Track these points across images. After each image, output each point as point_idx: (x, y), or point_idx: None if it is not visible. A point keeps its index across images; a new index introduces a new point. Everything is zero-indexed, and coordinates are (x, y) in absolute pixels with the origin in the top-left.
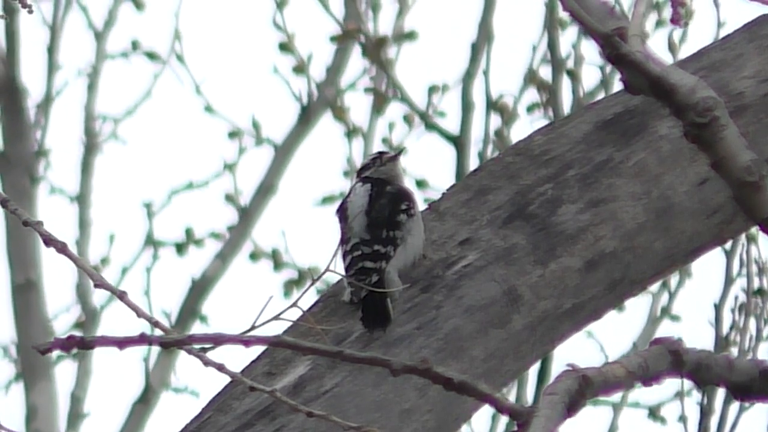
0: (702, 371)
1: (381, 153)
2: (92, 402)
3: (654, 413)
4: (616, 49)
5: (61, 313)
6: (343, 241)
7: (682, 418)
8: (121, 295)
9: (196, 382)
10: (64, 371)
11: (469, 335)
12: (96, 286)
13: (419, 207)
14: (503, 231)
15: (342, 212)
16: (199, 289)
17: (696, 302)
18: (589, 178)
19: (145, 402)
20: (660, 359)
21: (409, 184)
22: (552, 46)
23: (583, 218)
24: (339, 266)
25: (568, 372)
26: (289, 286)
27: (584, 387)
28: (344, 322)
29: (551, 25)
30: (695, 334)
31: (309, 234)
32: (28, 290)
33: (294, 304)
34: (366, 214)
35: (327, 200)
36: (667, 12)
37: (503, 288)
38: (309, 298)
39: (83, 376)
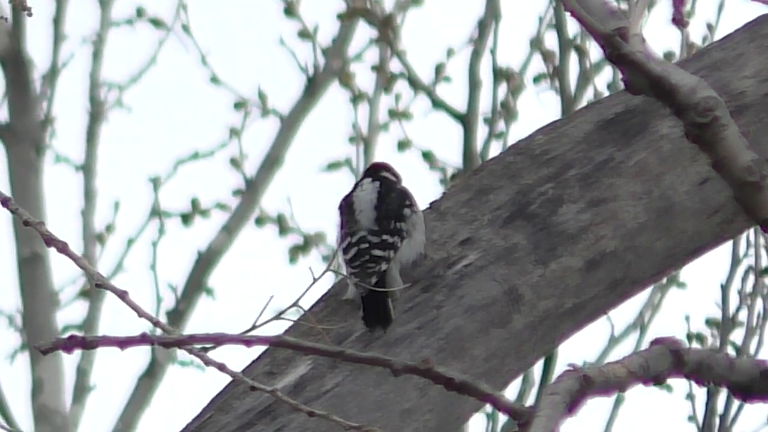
0: (703, 371)
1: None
2: (98, 375)
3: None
4: (617, 49)
5: (67, 285)
6: (345, 234)
7: (690, 396)
8: (122, 295)
9: None
10: None
11: (470, 335)
12: (97, 285)
13: (420, 207)
14: (504, 231)
15: (347, 206)
16: (205, 262)
17: (703, 272)
18: (589, 177)
19: (151, 376)
20: (661, 359)
21: (414, 156)
22: (559, 23)
23: (583, 218)
24: (341, 266)
25: (569, 372)
26: (295, 252)
27: (585, 387)
28: (345, 321)
29: (558, 2)
30: (700, 307)
31: (314, 201)
32: (33, 263)
33: (295, 304)
34: (375, 209)
35: (333, 166)
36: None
37: (504, 288)
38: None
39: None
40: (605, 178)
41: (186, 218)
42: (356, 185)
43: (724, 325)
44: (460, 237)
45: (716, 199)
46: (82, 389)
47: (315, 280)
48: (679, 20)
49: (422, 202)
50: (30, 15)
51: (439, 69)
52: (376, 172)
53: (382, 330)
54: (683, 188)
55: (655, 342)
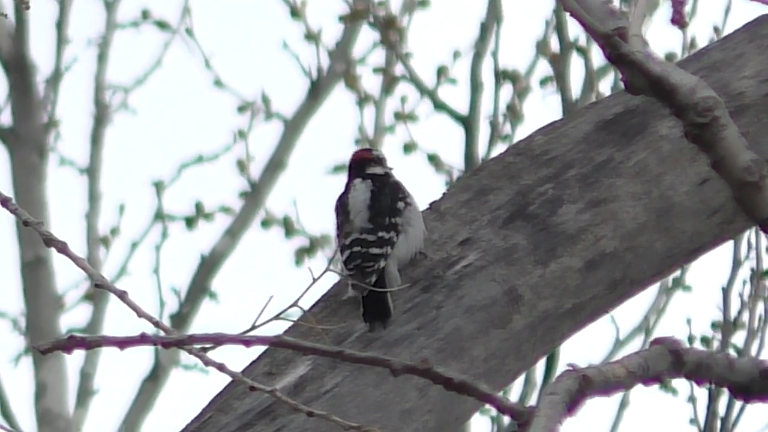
0: (702, 371)
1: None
2: (102, 379)
3: (665, 385)
4: (617, 49)
5: (70, 288)
6: (341, 234)
7: (692, 399)
8: (122, 295)
9: None
10: None
11: (469, 335)
12: (97, 286)
13: (415, 200)
14: (504, 231)
15: (341, 207)
16: (209, 265)
17: (706, 275)
18: (589, 178)
19: (154, 379)
20: (660, 359)
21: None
22: (560, 26)
23: (583, 218)
24: (340, 266)
25: (568, 372)
26: (301, 254)
27: (584, 387)
28: (345, 322)
29: (560, 6)
30: (705, 310)
31: (319, 204)
32: (37, 266)
33: (294, 304)
34: (369, 208)
35: (338, 169)
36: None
37: (504, 288)
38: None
39: (93, 353)
40: (605, 178)
41: (190, 222)
42: (348, 185)
43: (726, 328)
44: (459, 237)
45: (716, 199)
46: (85, 393)
47: (314, 280)
48: (679, 21)
49: (425, 203)
50: (27, 8)
51: (440, 71)
52: (362, 167)
53: (381, 325)
54: (683, 188)
55: (655, 342)
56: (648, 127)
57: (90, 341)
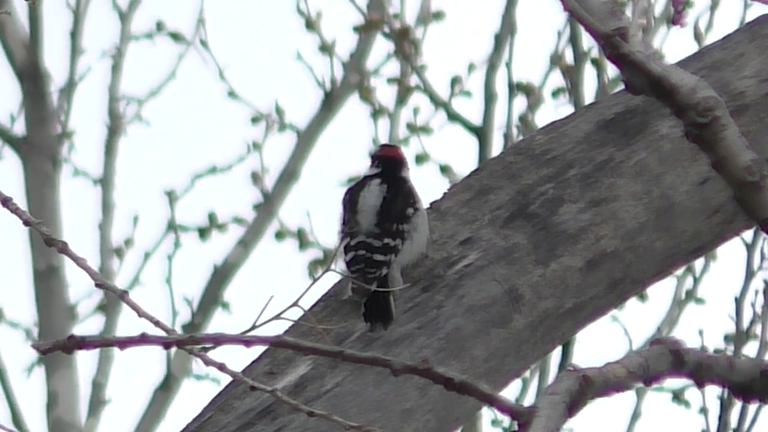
0: (702, 371)
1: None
2: (114, 389)
3: (678, 397)
4: (617, 49)
5: (83, 298)
6: (345, 232)
7: (703, 410)
8: (122, 295)
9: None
10: (85, 357)
11: (470, 335)
12: (97, 286)
13: (424, 205)
14: (504, 230)
15: (350, 202)
16: (221, 276)
17: (721, 287)
18: (590, 177)
19: (166, 389)
20: (661, 359)
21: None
22: (574, 36)
23: (584, 218)
24: (341, 265)
25: (569, 372)
26: (314, 266)
27: (585, 387)
28: (345, 321)
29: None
30: (718, 322)
31: (332, 216)
32: (50, 276)
33: (295, 304)
34: (378, 214)
35: (352, 181)
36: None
37: (504, 288)
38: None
39: (105, 363)
40: (605, 178)
41: (203, 232)
42: (365, 179)
43: (738, 338)
44: (460, 237)
45: (716, 199)
46: (97, 402)
47: (315, 280)
48: (679, 21)
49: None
50: (32, 2)
51: (454, 82)
52: (392, 169)
53: (383, 327)
54: (683, 188)
55: (655, 342)
56: (648, 126)
57: (90, 341)
